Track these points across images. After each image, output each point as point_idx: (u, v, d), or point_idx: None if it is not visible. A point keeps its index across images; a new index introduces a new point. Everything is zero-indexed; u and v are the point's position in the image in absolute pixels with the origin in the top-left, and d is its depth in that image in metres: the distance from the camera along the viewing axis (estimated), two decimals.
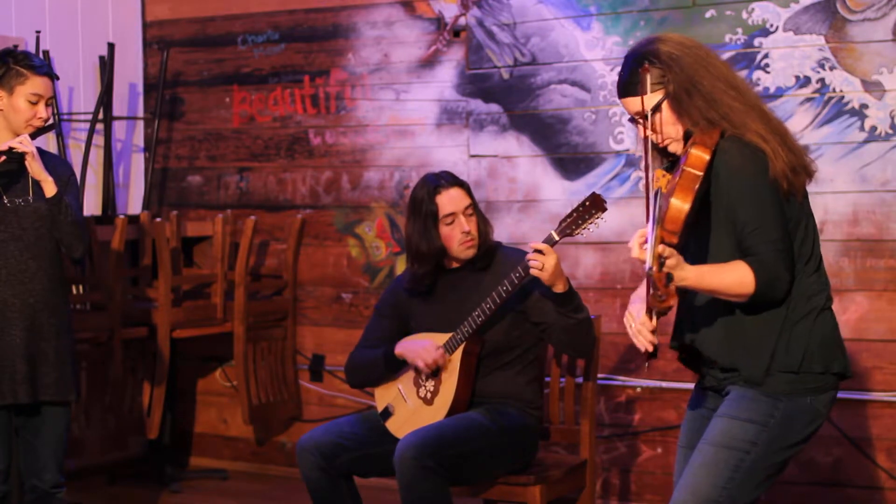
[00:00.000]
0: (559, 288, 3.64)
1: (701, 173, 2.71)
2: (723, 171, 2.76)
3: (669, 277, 2.58)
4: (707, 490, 2.80)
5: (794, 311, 2.81)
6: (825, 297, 2.86)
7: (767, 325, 2.80)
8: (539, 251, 3.58)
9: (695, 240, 2.85)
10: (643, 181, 2.95)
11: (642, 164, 2.86)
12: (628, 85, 2.85)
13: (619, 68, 2.95)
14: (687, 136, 2.82)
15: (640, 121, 2.85)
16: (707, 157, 2.73)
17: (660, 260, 2.56)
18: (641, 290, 2.88)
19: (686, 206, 2.68)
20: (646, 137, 2.85)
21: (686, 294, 2.92)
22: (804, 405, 2.81)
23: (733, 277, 2.73)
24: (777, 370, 2.80)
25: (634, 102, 2.84)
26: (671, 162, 2.89)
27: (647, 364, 2.80)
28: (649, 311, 2.66)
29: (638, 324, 2.71)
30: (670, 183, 2.76)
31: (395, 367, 3.90)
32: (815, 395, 2.82)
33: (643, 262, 2.63)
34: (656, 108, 2.82)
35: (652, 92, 2.81)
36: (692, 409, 3.01)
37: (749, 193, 2.75)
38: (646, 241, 2.69)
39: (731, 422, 2.82)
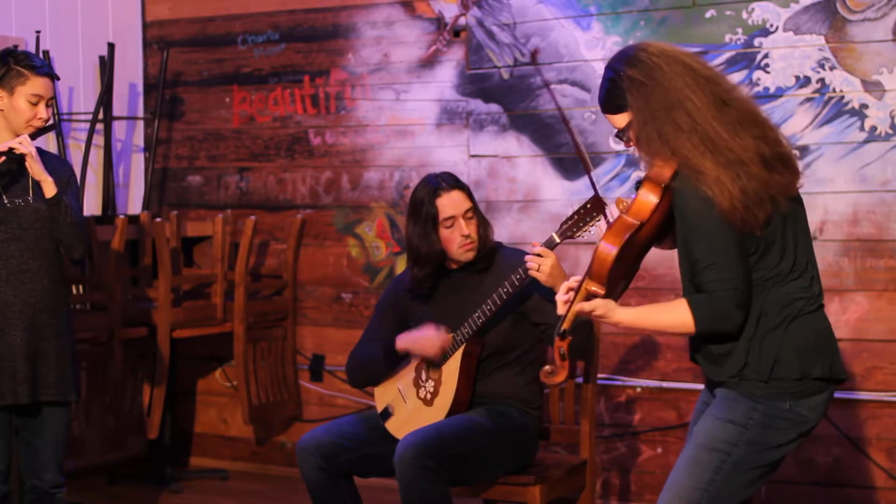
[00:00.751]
0: None
1: (638, 222, 2.74)
2: (678, 207, 2.76)
3: (563, 355, 2.67)
4: (689, 491, 2.81)
5: (765, 322, 2.79)
6: (803, 303, 2.82)
7: (734, 338, 2.80)
8: (537, 254, 3.59)
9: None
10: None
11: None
12: (602, 101, 2.91)
13: None
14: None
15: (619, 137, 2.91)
16: (655, 200, 2.75)
17: (572, 323, 2.67)
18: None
19: (613, 252, 2.71)
20: (590, 174, 2.99)
21: None
22: (783, 409, 2.79)
23: (671, 318, 2.77)
24: (750, 376, 2.80)
25: (609, 118, 2.90)
26: (639, 182, 2.88)
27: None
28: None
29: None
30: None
31: (395, 361, 3.90)
32: (796, 400, 2.79)
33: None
34: (626, 129, 2.86)
35: (621, 112, 2.85)
36: (696, 407, 3.03)
37: (700, 233, 2.73)
38: (569, 299, 2.76)
39: (714, 422, 2.82)
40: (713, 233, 2.72)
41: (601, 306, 2.73)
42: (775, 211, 2.77)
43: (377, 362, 3.92)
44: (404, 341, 3.86)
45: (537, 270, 3.59)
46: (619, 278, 2.82)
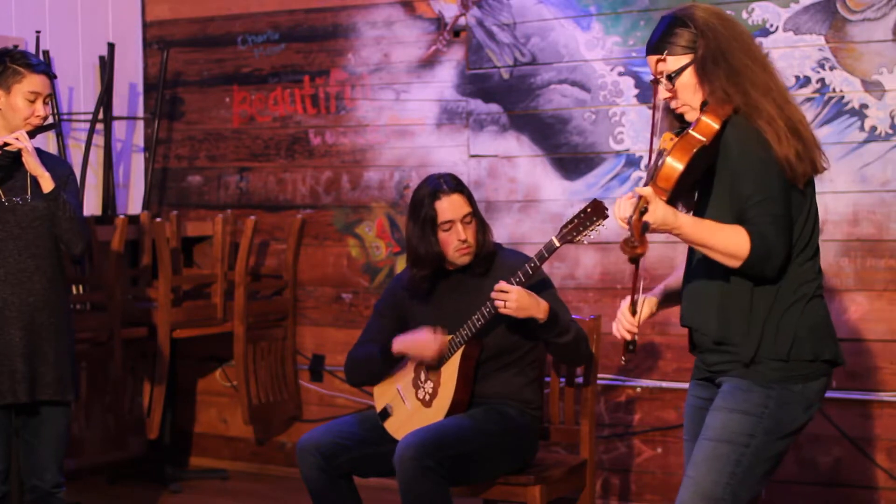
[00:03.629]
0: (539, 319, 3.65)
1: (704, 140, 2.73)
2: (733, 143, 2.78)
3: (645, 227, 2.61)
4: (710, 487, 2.80)
5: (783, 297, 2.80)
6: (817, 286, 2.86)
7: (756, 305, 2.80)
8: (502, 290, 3.60)
9: (697, 213, 2.87)
10: (649, 138, 2.97)
11: (654, 117, 2.87)
12: (658, 43, 2.87)
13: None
14: (703, 106, 2.84)
15: (662, 80, 2.88)
16: (716, 126, 2.75)
17: (641, 210, 2.60)
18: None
19: (680, 167, 2.71)
20: (656, 98, 2.90)
21: (687, 270, 2.95)
22: (796, 392, 2.81)
23: (729, 238, 2.73)
24: (766, 357, 2.80)
25: (660, 61, 2.87)
26: (682, 127, 2.89)
27: (623, 358, 2.91)
28: (632, 305, 2.88)
29: (619, 313, 2.93)
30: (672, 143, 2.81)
31: (392, 363, 3.90)
32: (806, 383, 2.82)
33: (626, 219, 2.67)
34: (680, 71, 2.84)
35: (681, 54, 2.84)
36: (689, 402, 3.03)
37: (756, 166, 2.76)
38: (632, 196, 2.74)
39: (728, 415, 2.82)
40: (769, 169, 2.75)
41: (658, 202, 2.67)
42: (811, 175, 2.83)
43: (374, 363, 3.93)
44: (400, 344, 3.86)
45: (504, 307, 3.60)
46: (677, 199, 2.82)
